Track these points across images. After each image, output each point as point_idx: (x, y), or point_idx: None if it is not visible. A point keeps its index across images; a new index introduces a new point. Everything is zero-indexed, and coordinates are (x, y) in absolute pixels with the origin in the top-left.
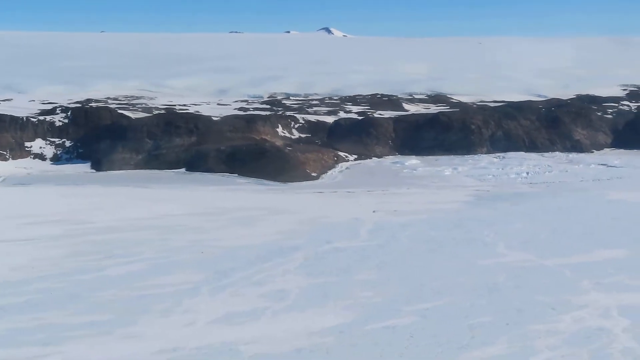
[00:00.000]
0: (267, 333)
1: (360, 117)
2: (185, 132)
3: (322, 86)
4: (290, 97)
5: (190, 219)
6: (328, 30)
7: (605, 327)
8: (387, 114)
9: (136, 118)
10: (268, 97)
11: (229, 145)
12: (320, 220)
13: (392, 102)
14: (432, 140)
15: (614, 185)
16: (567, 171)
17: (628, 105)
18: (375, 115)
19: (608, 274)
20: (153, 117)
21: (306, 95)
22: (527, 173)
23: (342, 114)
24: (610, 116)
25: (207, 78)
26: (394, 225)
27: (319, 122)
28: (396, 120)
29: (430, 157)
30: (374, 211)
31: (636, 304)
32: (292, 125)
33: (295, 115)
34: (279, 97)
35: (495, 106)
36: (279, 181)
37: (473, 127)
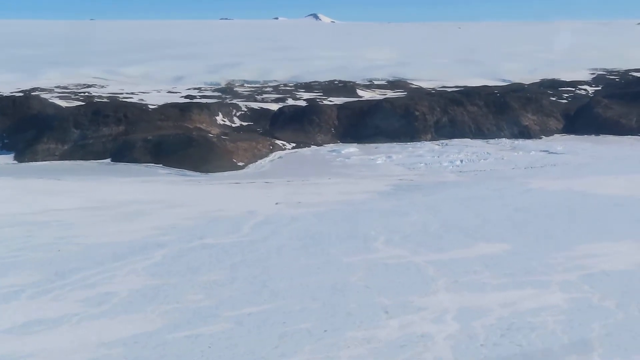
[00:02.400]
0: (54, 344)
1: (304, 105)
2: (114, 121)
3: (282, 73)
4: (245, 85)
5: (74, 214)
6: (316, 16)
7: (429, 333)
8: (338, 100)
9: (66, 107)
10: (225, 85)
11: (156, 134)
12: (211, 213)
13: (347, 88)
14: (374, 127)
15: (542, 173)
16: (503, 158)
17: (585, 90)
18: (326, 102)
19: (471, 272)
20: (81, 107)
21: (264, 82)
22: (462, 161)
23: (290, 102)
24: (565, 101)
25: (165, 65)
26: (284, 219)
27: (262, 110)
28: (340, 107)
29: (371, 145)
30: (277, 203)
31: (478, 307)
32: (233, 114)
33: (237, 102)
34: (236, 84)
35: (442, 92)
36: (201, 171)
37: (417, 113)
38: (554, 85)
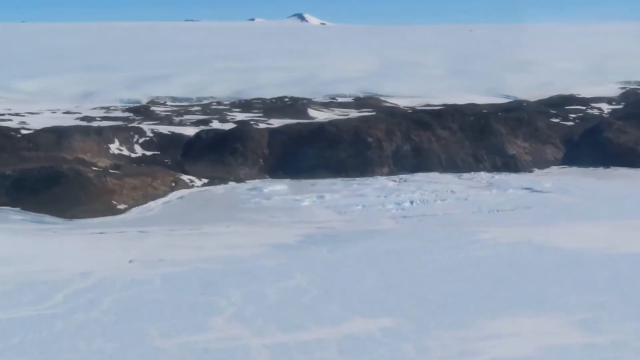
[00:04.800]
0: None
1: (228, 129)
2: None
3: (222, 87)
4: (168, 103)
5: None
6: (301, 17)
7: None
8: (279, 123)
9: None
10: (147, 102)
11: (18, 168)
12: (28, 275)
13: (295, 108)
14: (315, 158)
15: (506, 219)
16: (467, 199)
17: (600, 109)
18: (262, 125)
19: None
20: None
21: (197, 100)
22: (412, 202)
23: (215, 125)
24: (570, 123)
25: (74, 78)
26: (119, 284)
27: (174, 136)
28: (273, 132)
29: (308, 181)
30: (130, 261)
31: None
32: (134, 140)
33: (143, 126)
34: (160, 102)
35: (404, 112)
36: (65, 217)
37: (370, 140)
38: (566, 102)
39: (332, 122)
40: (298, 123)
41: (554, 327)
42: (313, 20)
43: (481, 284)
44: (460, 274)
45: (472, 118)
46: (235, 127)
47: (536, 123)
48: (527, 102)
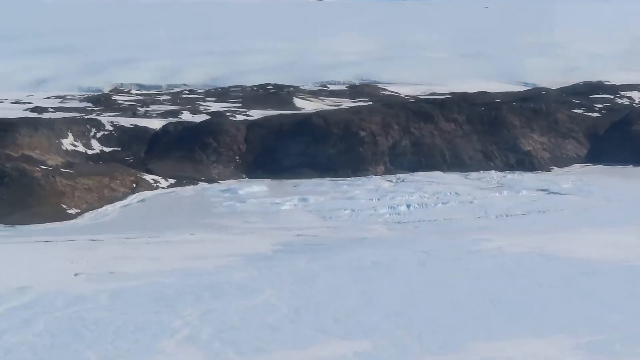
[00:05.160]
0: None
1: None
2: None
3: (198, 73)
4: (132, 91)
5: None
6: None
7: None
8: (260, 114)
9: None
10: (110, 90)
11: None
12: None
13: (279, 97)
14: (299, 155)
15: (516, 225)
16: (472, 202)
17: (630, 99)
18: (240, 117)
19: None
20: None
21: (169, 87)
22: (408, 206)
23: (186, 116)
24: (597, 114)
25: (25, 62)
26: (60, 301)
27: (138, 130)
28: (252, 125)
29: (291, 181)
30: (76, 274)
31: None
32: (92, 135)
33: (99, 118)
34: (125, 90)
35: (404, 102)
36: (7, 223)
37: (363, 134)
38: (592, 91)
39: (319, 114)
40: (280, 115)
41: (557, 352)
42: None
43: (478, 301)
44: (455, 289)
45: (482, 108)
46: (208, 119)
47: (556, 115)
48: (547, 90)
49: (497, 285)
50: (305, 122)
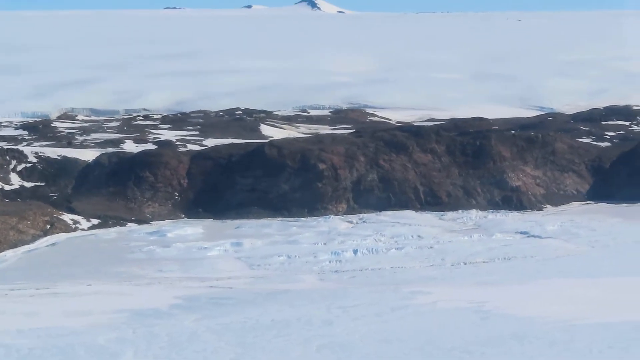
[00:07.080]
0: None
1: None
2: None
3: (161, 96)
4: (81, 117)
5: None
6: (312, 4)
7: None
8: (217, 142)
9: None
10: (58, 116)
11: None
12: None
13: (244, 124)
14: (248, 191)
15: (468, 276)
16: (432, 247)
17: None
18: (192, 146)
19: None
20: None
21: (127, 112)
22: (355, 252)
23: (128, 145)
24: (607, 143)
25: None
26: None
27: (66, 161)
28: (196, 156)
29: (235, 221)
30: None
31: None
32: (12, 167)
33: (22, 149)
34: (75, 115)
35: (374, 130)
36: None
37: (322, 167)
38: (613, 115)
39: (273, 143)
40: (230, 145)
41: None
42: (328, 7)
43: None
44: (355, 354)
45: (466, 138)
46: (146, 150)
47: (554, 144)
48: (557, 115)
49: (409, 349)
50: (257, 152)
